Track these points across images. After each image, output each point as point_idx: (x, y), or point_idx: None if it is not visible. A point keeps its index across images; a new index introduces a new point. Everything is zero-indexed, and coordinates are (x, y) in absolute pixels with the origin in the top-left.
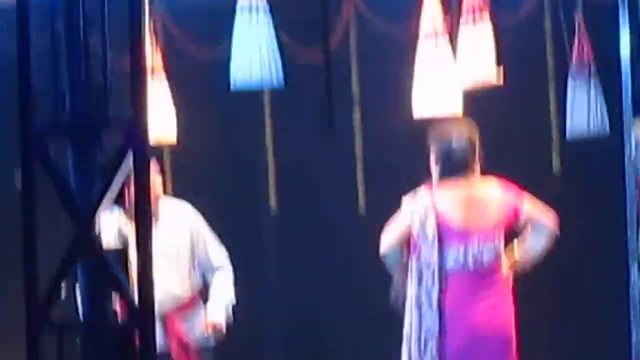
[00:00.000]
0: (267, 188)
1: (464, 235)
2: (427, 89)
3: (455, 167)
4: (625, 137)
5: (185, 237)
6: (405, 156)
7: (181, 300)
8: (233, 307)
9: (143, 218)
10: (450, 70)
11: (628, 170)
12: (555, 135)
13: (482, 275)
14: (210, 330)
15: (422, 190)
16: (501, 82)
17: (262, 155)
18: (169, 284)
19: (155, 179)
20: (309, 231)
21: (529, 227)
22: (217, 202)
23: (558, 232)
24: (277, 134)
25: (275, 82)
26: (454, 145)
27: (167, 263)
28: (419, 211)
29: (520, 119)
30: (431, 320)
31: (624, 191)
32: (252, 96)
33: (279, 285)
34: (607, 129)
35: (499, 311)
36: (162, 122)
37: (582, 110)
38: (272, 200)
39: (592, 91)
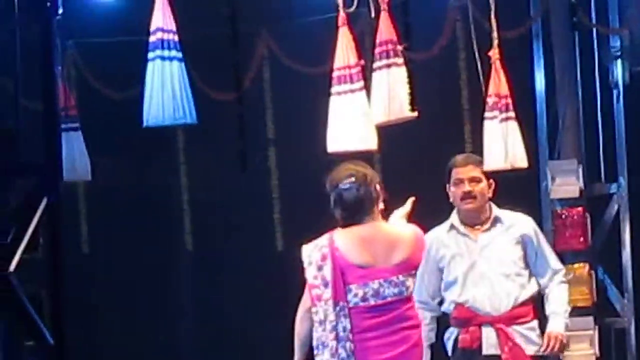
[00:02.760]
0: (183, 227)
1: (364, 272)
2: (341, 124)
3: (348, 211)
4: (540, 171)
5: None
6: (321, 192)
7: None
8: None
9: (56, 260)
10: (363, 105)
11: (544, 202)
12: None
13: (385, 311)
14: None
15: (323, 237)
16: (415, 115)
17: (177, 194)
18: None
19: None
20: (226, 269)
21: None
22: (133, 241)
23: None
24: (191, 174)
25: (188, 119)
26: (344, 191)
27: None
28: (316, 257)
29: (437, 154)
30: (343, 350)
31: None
32: (166, 136)
33: (195, 319)
34: (525, 162)
35: (402, 349)
36: (77, 161)
37: (499, 144)
38: (188, 240)
39: (507, 125)
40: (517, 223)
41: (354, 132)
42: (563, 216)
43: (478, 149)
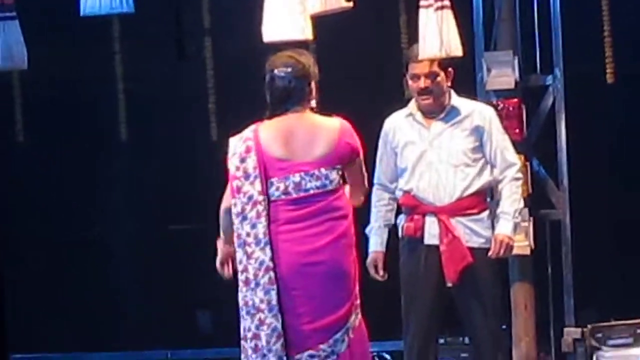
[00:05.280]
0: (117, 117)
1: (285, 165)
2: (276, 13)
3: (276, 99)
4: (476, 62)
5: None
6: (257, 83)
7: None
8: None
9: None
10: None
11: (480, 94)
12: None
13: (309, 203)
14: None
15: (248, 129)
16: (350, 5)
17: (112, 84)
18: None
19: None
20: (161, 158)
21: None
22: (68, 131)
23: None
24: (126, 63)
25: (125, 7)
26: (278, 77)
27: None
28: (240, 149)
29: (372, 44)
30: (262, 253)
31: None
32: (102, 25)
33: (130, 212)
34: (460, 51)
35: (327, 239)
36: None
37: (433, 32)
38: (123, 129)
39: (442, 13)
40: (473, 113)
41: (290, 22)
42: (499, 107)
43: (413, 37)
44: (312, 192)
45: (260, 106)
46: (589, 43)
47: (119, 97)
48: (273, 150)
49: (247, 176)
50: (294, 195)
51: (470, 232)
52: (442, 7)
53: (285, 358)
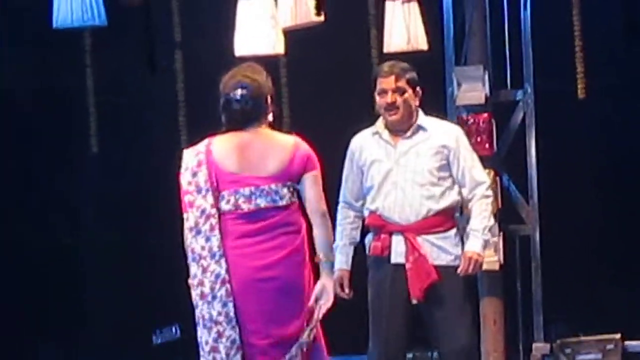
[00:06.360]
0: (89, 129)
1: (235, 178)
2: (248, 28)
3: (234, 120)
4: (447, 77)
5: None
6: None
7: None
8: None
9: None
10: (270, 9)
11: (450, 109)
12: None
13: (260, 218)
14: None
15: (202, 142)
16: (322, 19)
17: (83, 97)
18: None
19: None
20: (131, 170)
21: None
22: (38, 142)
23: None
24: (98, 76)
25: (97, 21)
26: (233, 101)
27: None
28: (192, 163)
29: (344, 58)
30: (217, 266)
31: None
32: (73, 38)
33: (100, 223)
34: (425, 44)
35: (280, 255)
36: None
37: (400, 25)
38: (93, 142)
39: (409, 6)
40: (440, 132)
41: (261, 36)
42: (469, 122)
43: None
44: (262, 206)
45: None
46: (559, 58)
47: (90, 110)
48: (225, 164)
49: (199, 190)
50: (245, 210)
51: (438, 249)
52: (409, 0)
53: None
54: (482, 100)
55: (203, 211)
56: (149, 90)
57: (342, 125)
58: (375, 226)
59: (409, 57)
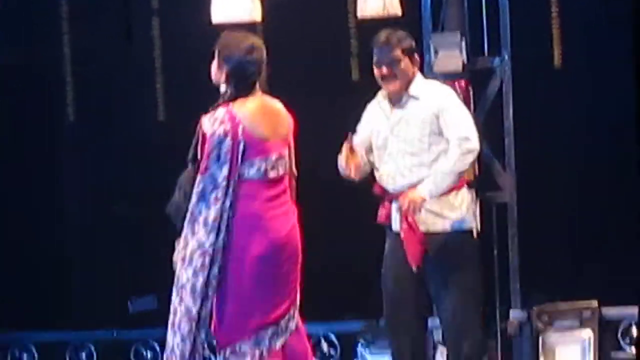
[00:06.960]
0: (65, 98)
1: (266, 145)
2: None
3: (244, 84)
4: (424, 44)
5: None
6: (204, 64)
7: None
8: None
9: None
10: None
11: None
12: (354, 42)
13: (280, 183)
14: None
15: (220, 111)
16: None
17: (60, 65)
18: None
19: None
20: (110, 139)
21: None
22: (15, 111)
23: None
24: (75, 44)
25: None
26: (247, 64)
27: None
28: (219, 131)
29: (320, 26)
30: (204, 237)
31: None
32: (50, 6)
33: (77, 192)
34: (399, 10)
35: (292, 219)
36: None
37: None
38: (70, 111)
39: None
40: (430, 98)
41: (238, 3)
42: None
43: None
44: (281, 173)
45: (207, 87)
46: (537, 26)
47: (67, 78)
48: (257, 132)
49: (218, 158)
50: (271, 176)
51: (434, 215)
52: None
53: (189, 341)
54: (460, 68)
55: (214, 180)
56: (126, 57)
57: (319, 91)
58: (379, 194)
59: (386, 24)
